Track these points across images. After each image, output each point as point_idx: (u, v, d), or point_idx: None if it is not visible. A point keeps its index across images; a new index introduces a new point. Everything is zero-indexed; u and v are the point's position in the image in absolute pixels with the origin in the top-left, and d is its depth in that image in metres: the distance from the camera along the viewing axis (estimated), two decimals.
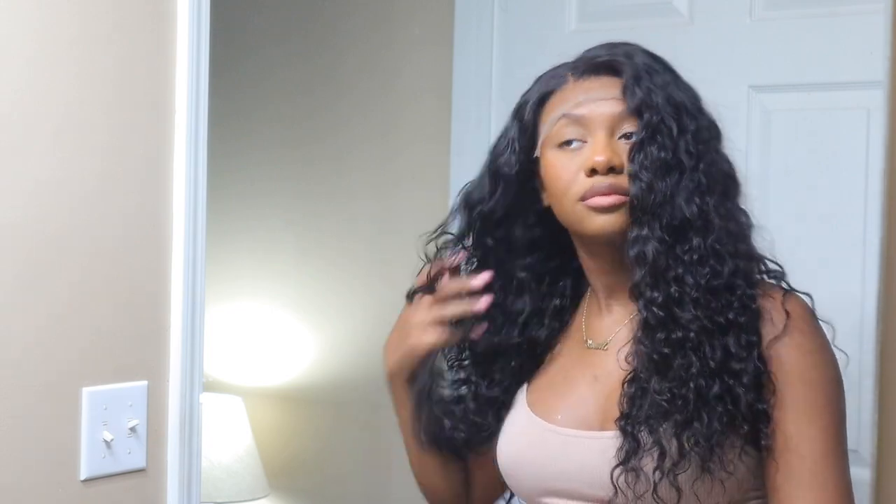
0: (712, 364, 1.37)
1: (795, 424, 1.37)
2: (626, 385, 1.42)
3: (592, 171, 1.42)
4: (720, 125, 1.50)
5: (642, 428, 1.38)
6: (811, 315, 1.43)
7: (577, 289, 1.58)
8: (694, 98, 1.47)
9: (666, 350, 1.39)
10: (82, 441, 1.54)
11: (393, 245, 2.71)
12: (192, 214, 1.64)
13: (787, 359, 1.38)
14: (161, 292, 1.63)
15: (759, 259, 1.47)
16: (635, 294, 1.43)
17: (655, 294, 1.40)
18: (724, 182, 1.46)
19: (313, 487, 2.91)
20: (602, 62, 1.46)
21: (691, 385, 1.37)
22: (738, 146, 2.14)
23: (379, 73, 2.74)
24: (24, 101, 1.48)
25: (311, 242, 2.87)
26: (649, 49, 1.50)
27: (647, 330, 1.41)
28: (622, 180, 1.42)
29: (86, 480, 1.55)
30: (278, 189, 2.92)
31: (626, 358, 1.44)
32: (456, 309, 1.52)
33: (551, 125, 1.46)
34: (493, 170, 1.54)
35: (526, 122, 1.51)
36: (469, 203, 1.56)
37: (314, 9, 2.86)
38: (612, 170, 1.42)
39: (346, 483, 2.84)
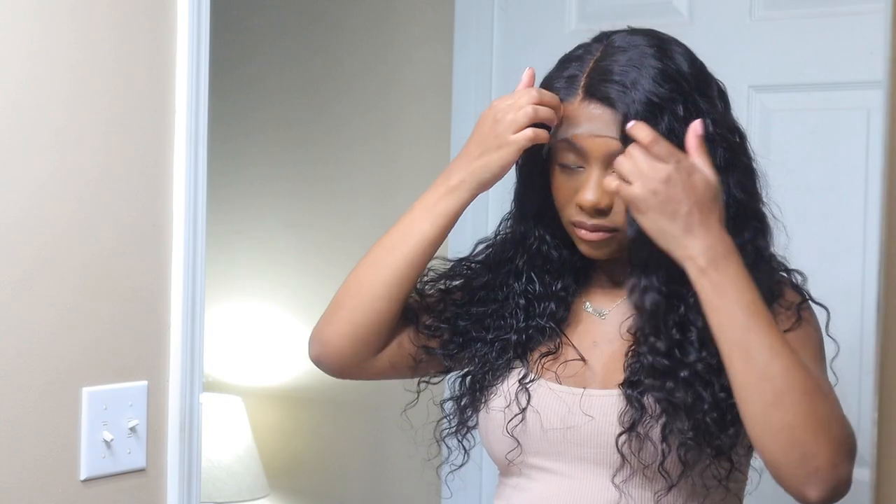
0: (722, 395, 1.39)
1: None
2: (629, 355, 1.45)
3: (581, 208, 1.44)
4: (743, 134, 1.49)
5: (648, 395, 1.40)
6: (817, 324, 1.47)
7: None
8: (706, 114, 1.43)
9: (679, 395, 1.40)
10: (82, 441, 1.54)
11: None
12: (192, 214, 1.64)
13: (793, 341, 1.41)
14: (161, 292, 1.63)
15: (779, 273, 1.48)
16: (638, 338, 1.45)
17: (658, 344, 1.42)
18: (736, 207, 1.44)
19: (313, 487, 2.91)
20: (604, 94, 1.43)
21: (708, 420, 1.39)
22: None
23: (379, 74, 2.74)
24: (25, 103, 1.48)
25: (310, 242, 2.87)
26: (668, 53, 1.45)
27: (656, 375, 1.42)
28: (608, 220, 1.44)
29: (86, 480, 1.55)
30: (278, 189, 2.92)
31: (628, 329, 1.47)
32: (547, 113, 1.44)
33: (555, 142, 1.47)
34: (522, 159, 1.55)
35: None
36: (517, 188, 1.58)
37: (314, 10, 2.86)
38: (600, 211, 1.43)
39: (346, 483, 2.84)
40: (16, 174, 1.47)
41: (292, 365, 2.90)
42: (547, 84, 1.50)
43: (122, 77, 1.57)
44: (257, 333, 2.96)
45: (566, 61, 1.50)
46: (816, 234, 2.14)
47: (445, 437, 1.60)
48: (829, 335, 1.48)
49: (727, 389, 1.37)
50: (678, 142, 1.39)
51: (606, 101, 1.42)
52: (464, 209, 1.51)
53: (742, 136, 1.49)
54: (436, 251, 1.53)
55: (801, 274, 1.50)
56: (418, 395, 1.61)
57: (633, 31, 1.49)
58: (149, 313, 1.62)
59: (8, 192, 1.46)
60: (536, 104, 1.44)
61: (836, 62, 2.15)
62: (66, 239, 1.52)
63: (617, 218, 1.44)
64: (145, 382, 1.61)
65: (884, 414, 0.92)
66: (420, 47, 2.68)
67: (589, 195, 1.43)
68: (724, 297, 1.33)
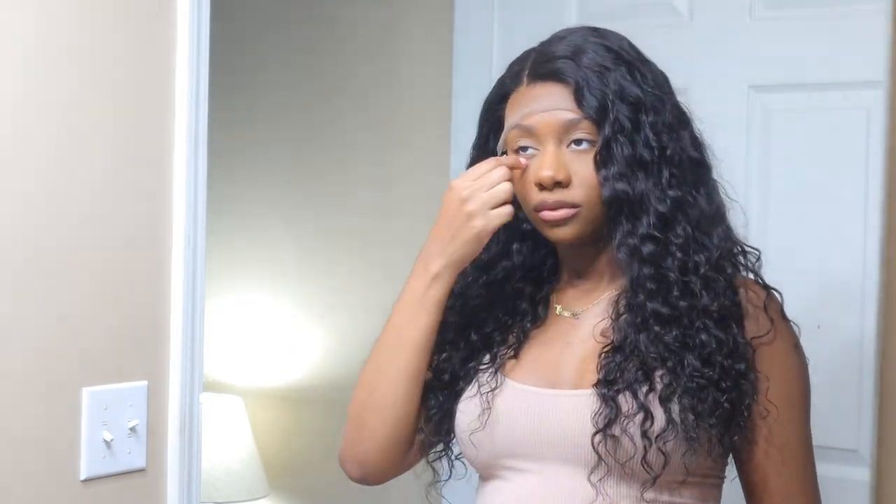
0: (720, 343, 1.42)
1: (774, 408, 1.44)
2: (602, 356, 1.45)
3: (541, 186, 1.45)
4: (685, 109, 1.52)
5: (625, 393, 1.41)
6: (785, 316, 1.49)
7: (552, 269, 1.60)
8: (653, 85, 1.47)
9: (690, 336, 1.42)
10: (82, 441, 1.54)
11: (393, 244, 2.71)
12: (193, 214, 1.65)
13: (772, 357, 1.45)
14: (161, 292, 1.63)
15: (737, 242, 1.50)
16: (629, 299, 1.46)
17: (652, 287, 1.43)
18: (693, 169, 1.48)
19: (313, 488, 2.90)
20: (550, 70, 1.47)
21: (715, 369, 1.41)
22: (738, 146, 2.16)
23: (379, 72, 2.74)
24: (27, 105, 1.48)
25: (310, 242, 2.87)
26: (606, 35, 1.50)
27: (660, 321, 1.43)
28: (569, 193, 1.45)
29: (86, 480, 1.55)
30: (278, 189, 2.92)
31: (602, 332, 1.48)
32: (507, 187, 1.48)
33: (507, 132, 1.50)
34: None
35: (493, 120, 1.55)
36: None
37: (314, 8, 2.86)
38: (558, 184, 1.45)
39: (346, 483, 2.83)
40: (18, 177, 1.47)
41: (292, 365, 2.90)
42: (497, 88, 1.55)
43: (122, 78, 1.57)
44: (257, 334, 2.96)
45: (511, 65, 1.54)
46: (816, 234, 2.14)
47: (433, 460, 1.64)
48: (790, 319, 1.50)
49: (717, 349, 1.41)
50: (630, 99, 1.43)
51: (553, 76, 1.47)
52: (450, 292, 1.53)
53: (686, 119, 1.51)
54: (435, 335, 1.54)
55: (755, 254, 1.51)
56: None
57: (569, 28, 1.54)
58: (149, 313, 1.62)
59: (11, 194, 1.46)
60: (508, 180, 1.47)
61: (836, 62, 2.15)
62: (66, 239, 1.52)
63: (577, 192, 1.45)
64: (145, 382, 1.61)
65: (884, 414, 0.93)
66: (420, 46, 2.68)
67: (545, 170, 1.45)
68: None
